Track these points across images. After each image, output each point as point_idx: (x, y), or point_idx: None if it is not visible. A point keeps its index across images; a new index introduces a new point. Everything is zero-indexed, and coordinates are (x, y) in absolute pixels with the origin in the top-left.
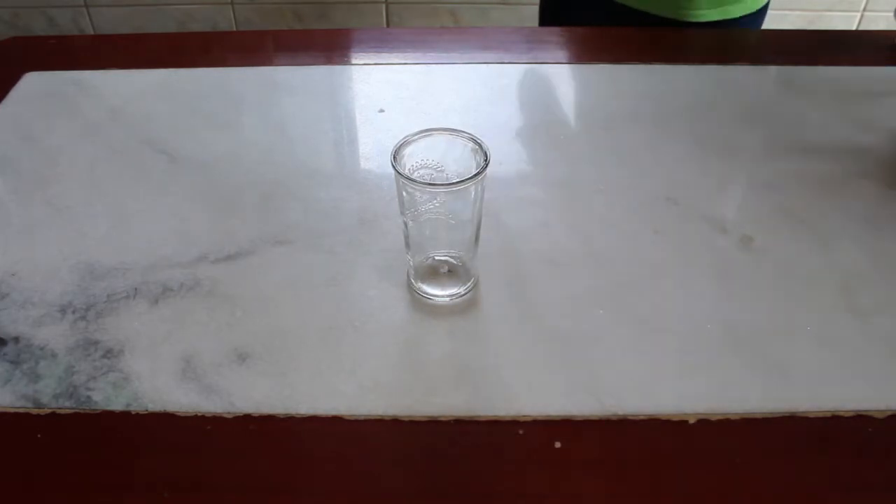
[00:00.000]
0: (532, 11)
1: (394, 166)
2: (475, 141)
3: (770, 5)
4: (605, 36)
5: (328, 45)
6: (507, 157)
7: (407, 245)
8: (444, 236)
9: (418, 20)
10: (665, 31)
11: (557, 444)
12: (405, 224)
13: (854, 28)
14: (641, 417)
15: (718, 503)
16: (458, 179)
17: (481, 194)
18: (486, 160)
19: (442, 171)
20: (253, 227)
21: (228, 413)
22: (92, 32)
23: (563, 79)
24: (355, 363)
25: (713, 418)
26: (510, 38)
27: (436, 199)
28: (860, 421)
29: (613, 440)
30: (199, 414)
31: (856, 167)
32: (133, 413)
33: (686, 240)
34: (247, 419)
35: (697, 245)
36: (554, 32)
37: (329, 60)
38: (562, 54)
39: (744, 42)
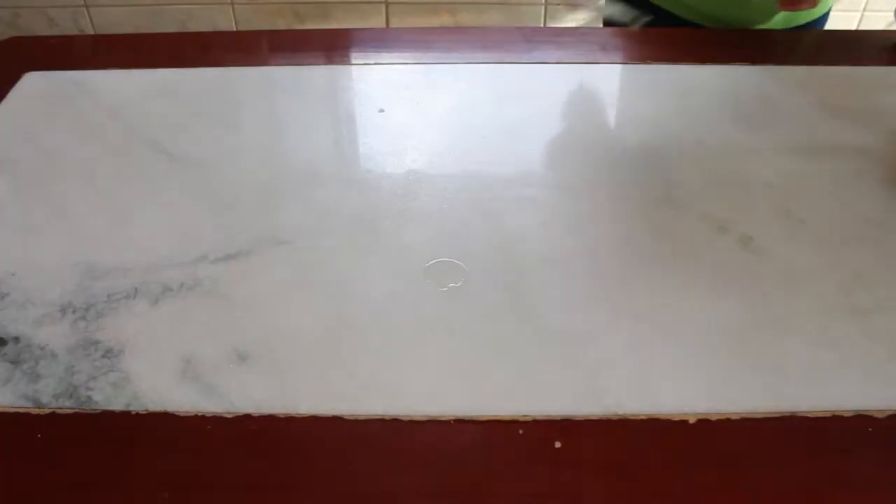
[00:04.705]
0: (532, 12)
1: None
2: None
3: None
4: (605, 36)
5: (328, 45)
6: (507, 156)
7: None
8: None
9: (418, 20)
10: (665, 31)
11: (557, 444)
12: None
13: (854, 28)
14: (641, 417)
15: (718, 503)
16: None
17: None
18: None
19: None
20: (253, 227)
21: (228, 413)
22: (92, 32)
23: (563, 79)
24: (355, 363)
25: (713, 418)
26: (510, 38)
27: None
28: (860, 421)
29: (613, 440)
30: (199, 414)
31: (856, 167)
32: (133, 413)
33: (686, 240)
34: (247, 419)
35: (697, 245)
36: (553, 32)
37: (329, 60)
38: (561, 54)
39: (744, 42)
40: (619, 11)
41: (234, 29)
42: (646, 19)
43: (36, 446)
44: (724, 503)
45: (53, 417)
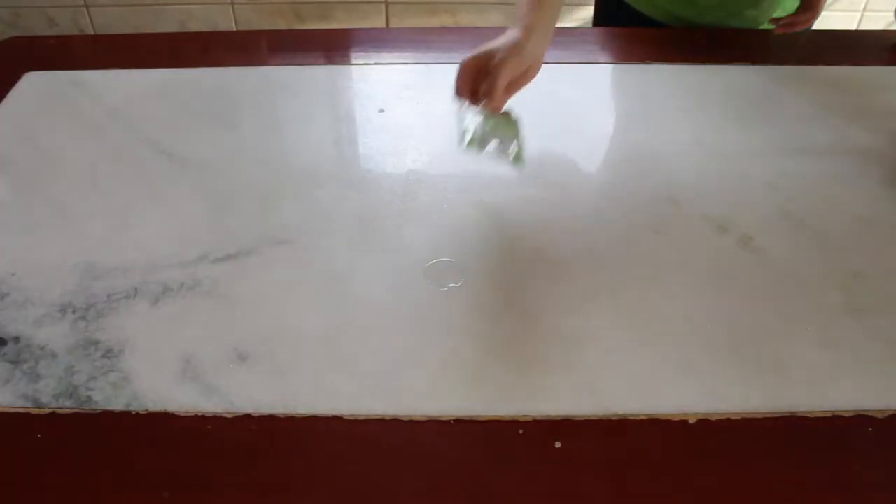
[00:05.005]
0: None
1: None
2: None
3: None
4: (605, 36)
5: (328, 45)
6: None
7: None
8: None
9: (418, 20)
10: (665, 31)
11: (557, 444)
12: None
13: (854, 28)
14: (641, 417)
15: (718, 503)
16: None
17: None
18: None
19: None
20: (253, 227)
21: (228, 413)
22: (92, 32)
23: (562, 79)
24: (355, 363)
25: (713, 418)
26: None
27: None
28: (860, 421)
29: (613, 440)
30: (199, 414)
31: (856, 167)
32: (133, 413)
33: (686, 240)
34: (247, 419)
35: (697, 245)
36: (553, 32)
37: (329, 60)
38: (561, 54)
39: (744, 42)
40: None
41: (234, 29)
42: (514, 151)
43: (36, 446)
44: (723, 503)
45: (53, 417)
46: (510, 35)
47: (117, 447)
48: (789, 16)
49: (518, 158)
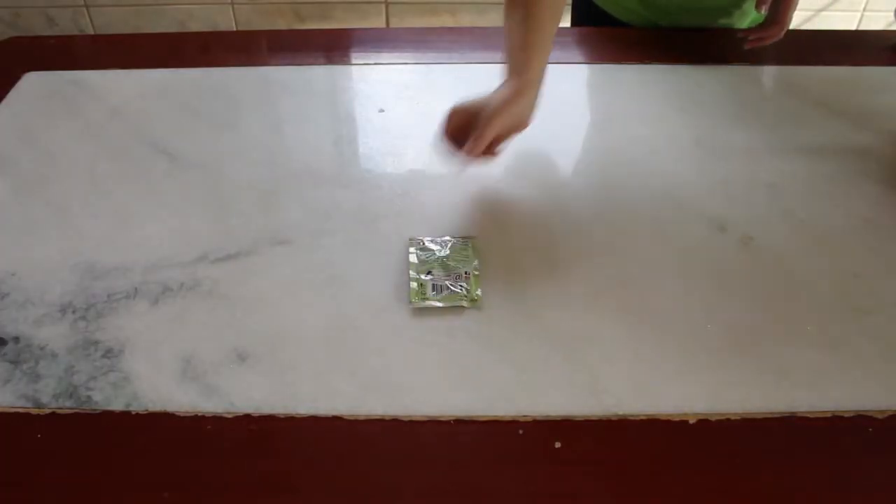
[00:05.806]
0: None
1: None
2: None
3: None
4: (605, 36)
5: (328, 45)
6: (507, 157)
7: None
8: None
9: (418, 20)
10: (665, 31)
11: (557, 444)
12: None
13: (854, 28)
14: (641, 417)
15: (718, 503)
16: None
17: None
18: None
19: None
20: (253, 227)
21: (228, 413)
22: (92, 32)
23: (562, 79)
24: (355, 363)
25: (713, 418)
26: None
27: None
28: (860, 421)
29: (613, 440)
30: (199, 414)
31: (856, 167)
32: (133, 413)
33: (686, 240)
34: (247, 419)
35: (697, 245)
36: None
37: (329, 60)
38: (561, 54)
39: (743, 42)
40: None
41: (234, 29)
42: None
43: (36, 446)
44: (723, 503)
45: (53, 417)
46: (506, 89)
47: (117, 447)
48: (757, 30)
49: (472, 295)
